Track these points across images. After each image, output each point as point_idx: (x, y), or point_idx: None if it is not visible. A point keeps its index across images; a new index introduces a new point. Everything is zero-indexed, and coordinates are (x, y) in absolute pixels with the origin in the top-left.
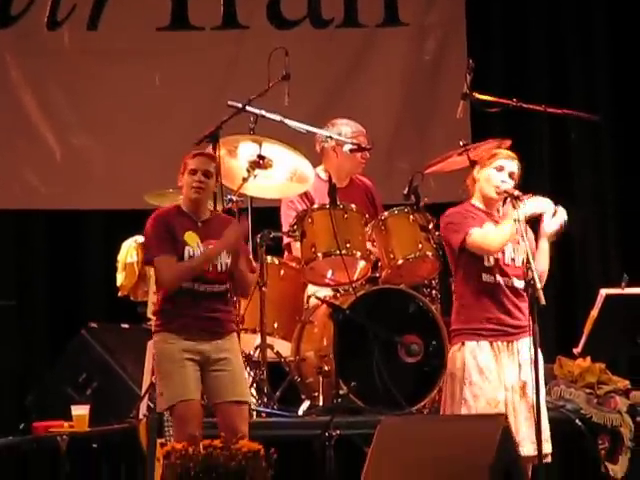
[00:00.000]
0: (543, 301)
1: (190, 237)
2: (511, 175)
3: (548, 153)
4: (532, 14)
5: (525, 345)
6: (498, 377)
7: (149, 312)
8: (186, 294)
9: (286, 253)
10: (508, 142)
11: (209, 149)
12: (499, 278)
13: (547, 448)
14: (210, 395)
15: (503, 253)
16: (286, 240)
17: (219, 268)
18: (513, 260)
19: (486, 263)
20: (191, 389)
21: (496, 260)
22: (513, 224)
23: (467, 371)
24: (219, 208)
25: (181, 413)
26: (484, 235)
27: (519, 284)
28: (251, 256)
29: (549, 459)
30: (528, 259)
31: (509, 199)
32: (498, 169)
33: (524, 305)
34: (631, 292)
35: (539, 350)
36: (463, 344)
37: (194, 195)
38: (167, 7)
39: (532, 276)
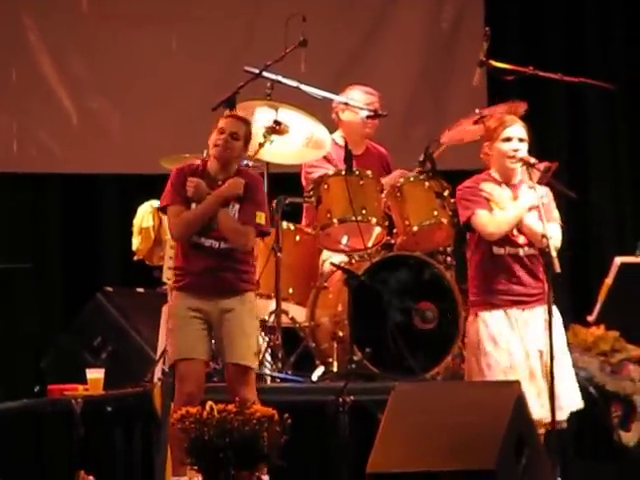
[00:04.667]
0: (558, 269)
1: None
2: (521, 140)
3: (564, 121)
4: None
5: (541, 313)
6: (515, 344)
7: (164, 276)
8: (195, 250)
9: (305, 220)
10: (522, 105)
11: (225, 114)
12: (510, 249)
13: (563, 415)
14: (217, 355)
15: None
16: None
17: None
18: None
19: None
20: (192, 347)
21: None
22: (520, 210)
23: (481, 342)
24: None
25: (180, 371)
26: (490, 220)
27: (532, 251)
28: (261, 215)
29: (564, 425)
30: (543, 227)
31: (525, 166)
32: (506, 140)
33: (540, 271)
34: None
35: (559, 317)
36: (477, 315)
37: (213, 151)
38: None
39: (547, 243)
